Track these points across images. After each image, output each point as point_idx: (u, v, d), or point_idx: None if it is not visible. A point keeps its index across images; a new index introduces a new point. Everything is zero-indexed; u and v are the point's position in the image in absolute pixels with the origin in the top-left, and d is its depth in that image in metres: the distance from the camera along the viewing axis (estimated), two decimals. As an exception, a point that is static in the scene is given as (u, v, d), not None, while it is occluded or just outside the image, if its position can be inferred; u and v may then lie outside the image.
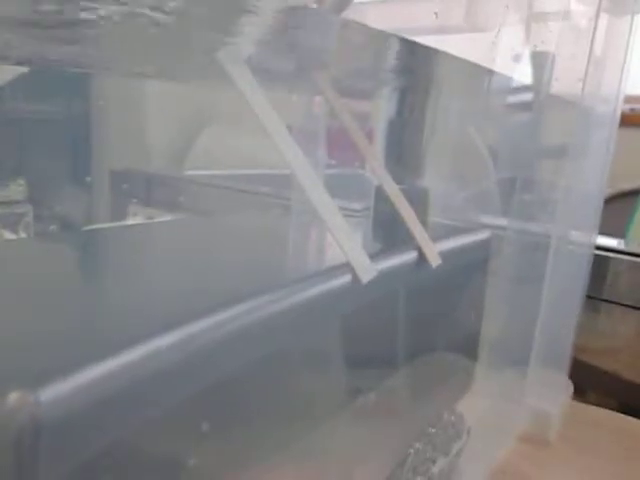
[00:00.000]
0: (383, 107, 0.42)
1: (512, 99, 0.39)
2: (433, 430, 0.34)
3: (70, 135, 0.71)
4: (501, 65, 0.35)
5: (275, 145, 0.23)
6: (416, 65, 0.32)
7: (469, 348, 0.38)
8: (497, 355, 0.39)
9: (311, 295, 0.23)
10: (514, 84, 0.36)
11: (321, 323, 0.25)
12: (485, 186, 0.43)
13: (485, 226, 0.40)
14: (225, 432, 0.19)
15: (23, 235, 0.64)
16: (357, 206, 0.39)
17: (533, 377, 0.40)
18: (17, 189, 0.66)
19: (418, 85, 0.38)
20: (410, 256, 0.30)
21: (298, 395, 0.24)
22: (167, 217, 0.73)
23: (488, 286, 0.38)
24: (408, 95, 0.38)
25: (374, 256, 0.27)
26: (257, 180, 0.70)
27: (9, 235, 0.64)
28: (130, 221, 0.74)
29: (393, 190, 0.29)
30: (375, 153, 0.29)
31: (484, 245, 0.37)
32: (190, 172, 0.81)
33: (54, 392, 0.13)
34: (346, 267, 0.25)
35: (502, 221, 0.40)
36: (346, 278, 0.25)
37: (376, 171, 0.29)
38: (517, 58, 0.36)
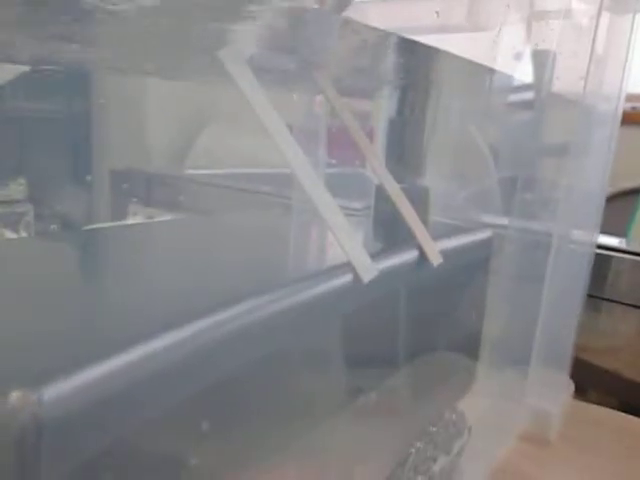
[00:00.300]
0: (384, 106, 0.42)
1: (513, 97, 0.39)
2: (434, 429, 0.34)
3: (71, 134, 0.71)
4: (502, 64, 0.35)
5: (275, 144, 0.23)
6: (417, 64, 0.32)
7: (470, 347, 0.38)
8: (498, 354, 0.39)
9: (312, 295, 0.23)
10: (515, 82, 0.36)
11: (322, 323, 0.25)
12: (486, 185, 0.43)
13: (486, 225, 0.40)
14: (226, 432, 0.19)
15: (24, 234, 0.64)
16: (358, 205, 0.39)
17: (534, 376, 0.40)
18: (17, 188, 0.66)
19: (419, 84, 0.38)
20: (411, 255, 0.30)
21: (299, 395, 0.24)
22: (167, 216, 0.72)
23: (489, 285, 0.38)
24: (409, 94, 0.38)
25: (375, 255, 0.27)
26: (258, 179, 0.70)
27: (10, 234, 0.64)
28: (130, 220, 0.74)
29: (394, 189, 0.29)
30: (376, 152, 0.29)
31: (485, 244, 0.37)
32: (190, 171, 0.81)
33: (56, 391, 0.13)
34: (347, 266, 0.25)
35: (503, 220, 0.40)
36: (347, 277, 0.25)
37: (376, 170, 0.29)
38: (518, 57, 0.36)
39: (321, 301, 0.24)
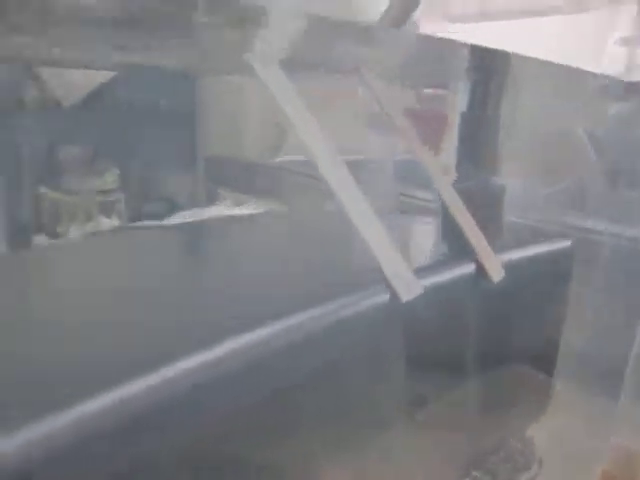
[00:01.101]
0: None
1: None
2: (495, 457, 0.31)
3: (166, 127, 0.75)
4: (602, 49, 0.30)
5: (305, 146, 0.21)
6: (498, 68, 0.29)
7: (547, 367, 0.34)
8: (581, 379, 0.35)
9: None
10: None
11: (388, 333, 0.23)
12: (580, 184, 0.38)
13: (576, 228, 0.36)
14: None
15: (116, 220, 0.69)
16: (429, 196, 0.37)
17: (623, 409, 0.35)
18: (111, 178, 0.71)
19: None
20: (469, 269, 0.27)
21: (359, 403, 0.22)
22: (254, 201, 0.74)
23: (573, 299, 0.33)
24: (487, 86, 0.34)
25: (427, 269, 0.25)
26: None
27: (105, 220, 0.69)
28: (221, 206, 0.76)
29: (451, 196, 0.26)
30: (430, 154, 0.26)
31: (564, 255, 0.32)
32: (279, 159, 0.81)
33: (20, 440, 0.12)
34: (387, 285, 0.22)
35: (599, 225, 0.35)
36: (385, 296, 0.22)
37: (433, 176, 0.26)
38: (625, 42, 0.31)
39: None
